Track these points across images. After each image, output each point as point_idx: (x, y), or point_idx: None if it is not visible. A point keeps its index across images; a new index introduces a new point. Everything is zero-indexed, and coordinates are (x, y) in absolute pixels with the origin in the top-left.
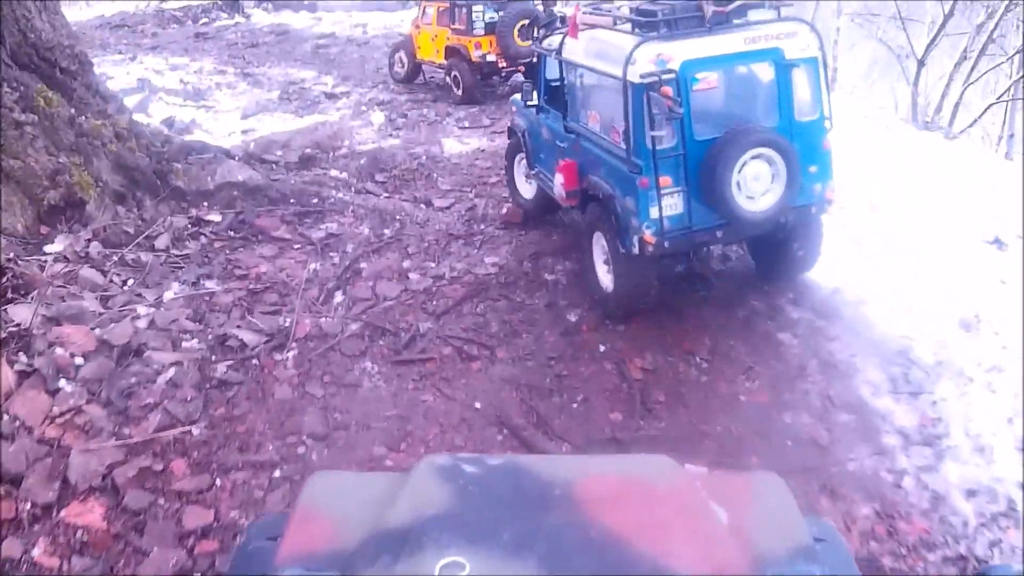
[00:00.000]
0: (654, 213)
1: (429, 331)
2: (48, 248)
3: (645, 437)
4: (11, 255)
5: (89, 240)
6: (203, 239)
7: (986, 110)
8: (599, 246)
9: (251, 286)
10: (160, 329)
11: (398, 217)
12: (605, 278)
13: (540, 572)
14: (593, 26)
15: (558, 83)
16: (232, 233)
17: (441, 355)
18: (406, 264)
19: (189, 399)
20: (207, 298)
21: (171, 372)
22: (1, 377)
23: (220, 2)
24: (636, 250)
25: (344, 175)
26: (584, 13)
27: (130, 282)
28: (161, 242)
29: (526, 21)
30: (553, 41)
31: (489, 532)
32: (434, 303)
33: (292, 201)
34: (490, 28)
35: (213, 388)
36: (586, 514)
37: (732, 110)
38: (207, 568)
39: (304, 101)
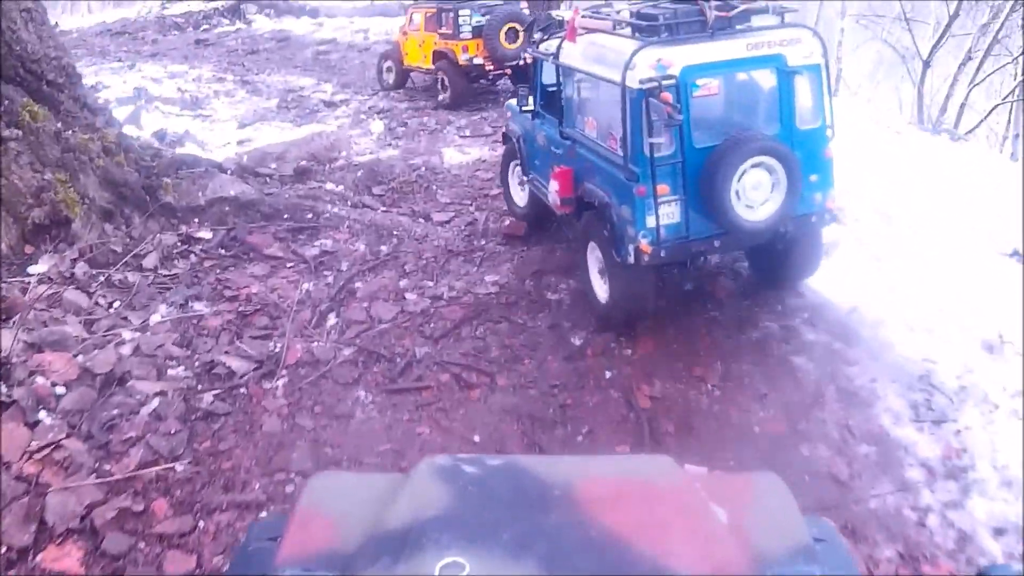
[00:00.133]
0: (651, 222)
1: (426, 356)
2: (32, 269)
3: None
4: None
5: (75, 260)
6: (193, 257)
7: (991, 111)
8: (594, 255)
9: (241, 308)
10: (145, 355)
11: (395, 232)
12: (601, 288)
13: (540, 572)
14: (592, 30)
15: (554, 88)
16: (223, 251)
17: (438, 383)
18: (403, 283)
19: (173, 432)
20: (195, 321)
21: (155, 403)
22: None
23: (222, 8)
24: (632, 259)
25: (340, 188)
26: (583, 17)
27: (116, 304)
28: (149, 261)
29: (512, 24)
30: (550, 45)
31: (489, 532)
32: (432, 326)
33: (286, 216)
34: (477, 32)
35: (198, 420)
36: (586, 514)
37: (732, 117)
38: None
39: (303, 110)
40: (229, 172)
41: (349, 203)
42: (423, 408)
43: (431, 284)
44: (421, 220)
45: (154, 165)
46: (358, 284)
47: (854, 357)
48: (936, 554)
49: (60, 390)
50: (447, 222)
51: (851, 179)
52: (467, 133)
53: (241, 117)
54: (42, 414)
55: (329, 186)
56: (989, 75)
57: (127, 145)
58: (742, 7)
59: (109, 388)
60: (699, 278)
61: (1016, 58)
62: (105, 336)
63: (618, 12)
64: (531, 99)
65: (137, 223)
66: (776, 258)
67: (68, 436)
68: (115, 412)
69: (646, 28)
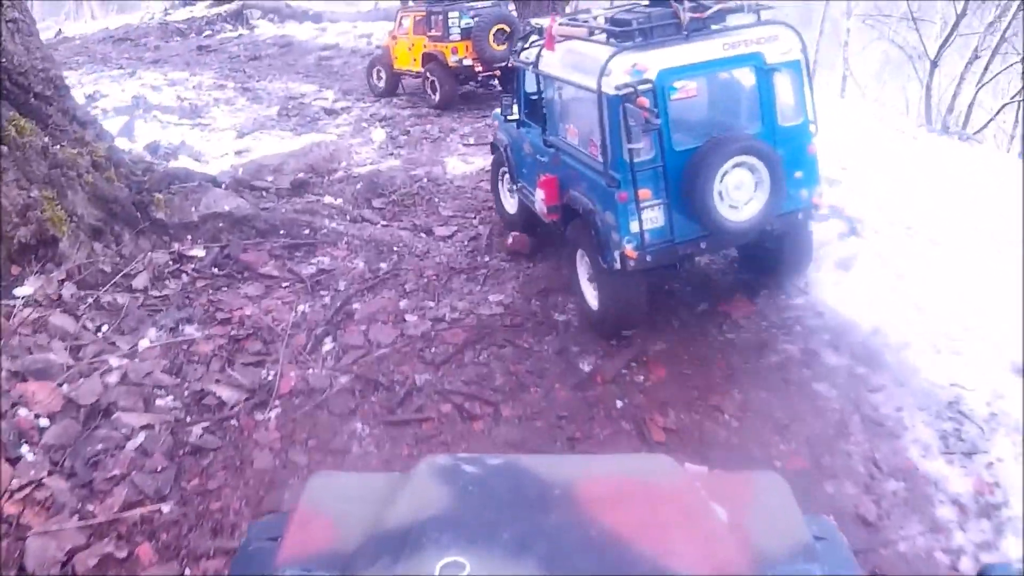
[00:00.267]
0: (635, 227)
1: (427, 384)
2: (17, 291)
3: None
4: None
5: (62, 280)
6: (184, 277)
7: (999, 111)
8: (583, 263)
9: (233, 332)
10: (132, 384)
11: (396, 249)
12: (591, 295)
13: (540, 572)
14: (569, 37)
15: (537, 96)
16: (216, 270)
17: (440, 414)
18: (403, 304)
19: (159, 469)
20: (185, 347)
21: (141, 437)
22: None
23: (225, 14)
24: (618, 265)
25: (339, 201)
26: (560, 24)
27: (104, 328)
28: (139, 281)
29: (501, 26)
30: (530, 54)
31: (489, 532)
32: (433, 350)
33: (282, 232)
34: (466, 33)
35: (187, 455)
36: (586, 514)
37: (712, 118)
38: None
39: (303, 118)
40: (224, 186)
41: (348, 217)
42: (423, 442)
43: (432, 304)
44: (422, 235)
45: (145, 180)
46: (356, 305)
47: (878, 383)
48: None
49: (44, 422)
50: (449, 237)
51: (867, 187)
52: (471, 141)
53: (240, 126)
54: (24, 448)
55: (327, 199)
56: (997, 75)
57: (118, 159)
58: (716, 7)
59: (94, 420)
60: (713, 297)
61: (1023, 57)
62: (91, 363)
63: (594, 18)
64: (516, 108)
65: (127, 241)
66: (766, 256)
67: (50, 473)
68: (99, 447)
69: (620, 33)
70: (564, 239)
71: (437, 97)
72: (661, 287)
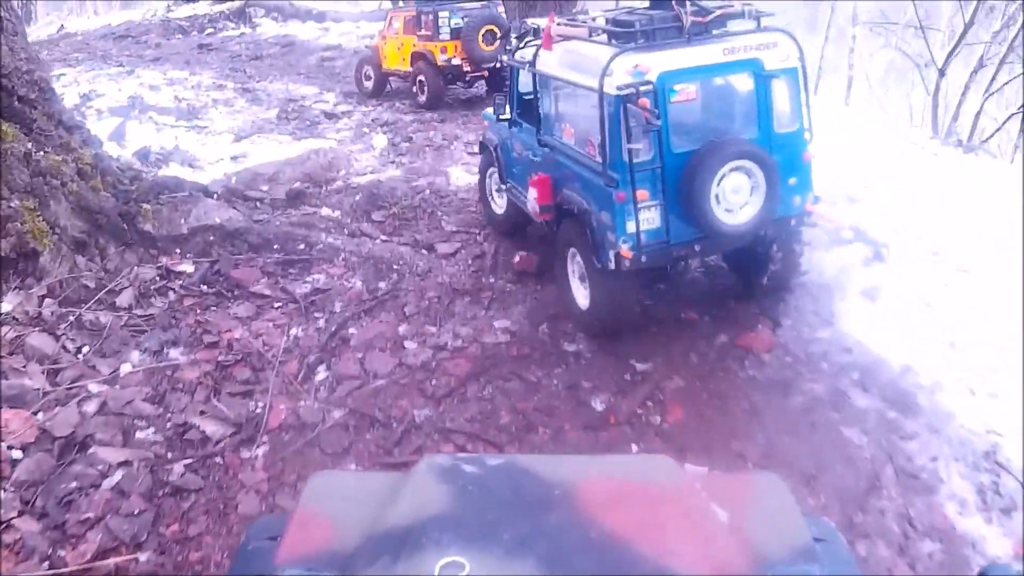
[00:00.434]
0: (631, 227)
1: (426, 422)
2: None
3: None
4: None
5: (43, 297)
6: (171, 295)
7: (1007, 120)
8: (575, 262)
9: (221, 357)
10: (112, 414)
11: (395, 267)
12: (581, 294)
13: (540, 572)
14: (568, 37)
15: (531, 96)
16: (205, 287)
17: None
18: (402, 329)
19: (136, 513)
20: (169, 373)
21: (118, 475)
22: None
23: (228, 12)
24: (613, 265)
25: (337, 214)
26: (559, 24)
27: (84, 349)
28: (124, 298)
29: (490, 27)
30: (526, 53)
31: (489, 532)
32: (433, 383)
33: (276, 247)
34: (455, 33)
35: (167, 495)
36: (586, 514)
37: (710, 122)
38: None
39: (303, 121)
40: (215, 196)
41: (346, 231)
42: None
43: (434, 330)
44: (424, 252)
45: (133, 189)
46: (352, 329)
47: (912, 430)
48: None
49: (17, 454)
50: (452, 254)
51: (889, 207)
52: (475, 149)
53: (238, 129)
54: None
55: (325, 211)
56: (1005, 84)
57: (104, 167)
58: (718, 12)
59: (69, 454)
60: (734, 329)
61: None
62: (70, 389)
63: (594, 19)
64: (508, 108)
65: (112, 254)
66: (757, 262)
67: (20, 514)
68: (74, 484)
69: (622, 35)
70: (555, 238)
71: (424, 96)
72: (678, 316)
